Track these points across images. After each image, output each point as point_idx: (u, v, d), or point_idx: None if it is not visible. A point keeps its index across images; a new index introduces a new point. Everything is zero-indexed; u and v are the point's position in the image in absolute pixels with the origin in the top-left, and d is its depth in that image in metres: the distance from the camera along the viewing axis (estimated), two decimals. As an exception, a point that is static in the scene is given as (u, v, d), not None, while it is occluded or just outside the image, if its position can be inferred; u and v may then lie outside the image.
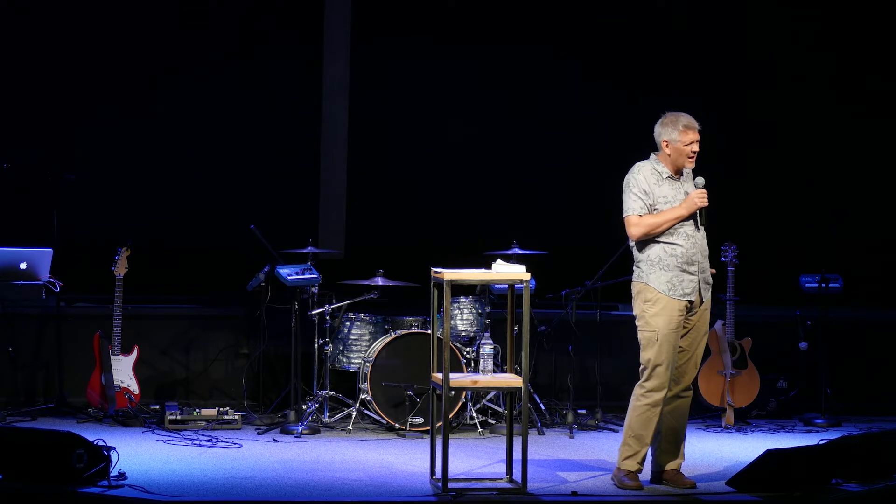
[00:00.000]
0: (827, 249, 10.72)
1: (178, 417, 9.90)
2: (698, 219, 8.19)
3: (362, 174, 12.58)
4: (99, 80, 12.03)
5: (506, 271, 8.15)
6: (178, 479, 8.19)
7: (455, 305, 10.20)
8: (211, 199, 12.16)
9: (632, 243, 8.24)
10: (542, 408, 10.31)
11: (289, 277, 10.05)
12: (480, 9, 12.54)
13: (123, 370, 10.23)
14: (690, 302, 8.14)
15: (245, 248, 10.75)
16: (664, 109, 12.94)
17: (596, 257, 10.38)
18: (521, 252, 10.29)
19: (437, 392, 8.19)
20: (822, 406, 10.51)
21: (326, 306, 10.17)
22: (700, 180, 8.26)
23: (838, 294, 10.74)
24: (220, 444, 9.37)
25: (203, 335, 10.99)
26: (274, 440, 9.62)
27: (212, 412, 9.97)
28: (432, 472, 8.19)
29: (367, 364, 9.98)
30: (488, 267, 8.24)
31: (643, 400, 8.15)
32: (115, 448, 7.95)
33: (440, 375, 8.03)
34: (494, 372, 8.32)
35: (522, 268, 8.19)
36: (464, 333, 10.26)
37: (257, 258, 10.37)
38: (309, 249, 10.33)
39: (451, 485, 7.90)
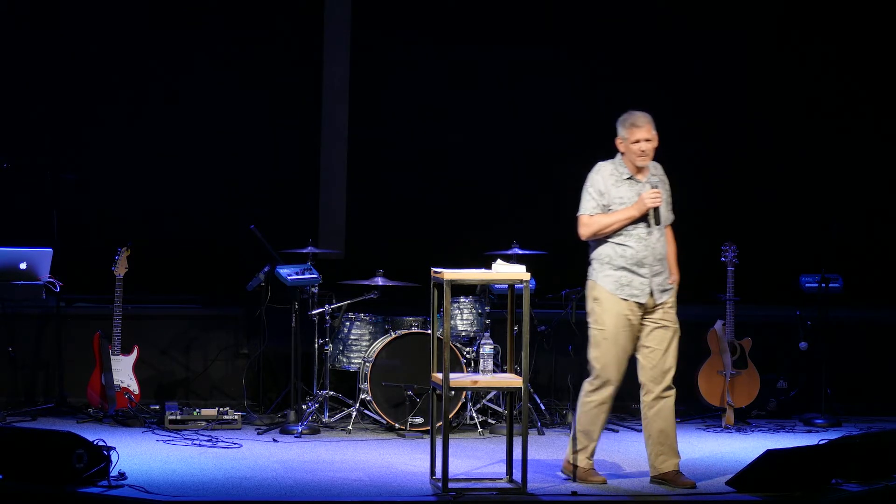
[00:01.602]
0: (827, 249, 10.71)
1: (178, 417, 9.90)
2: (651, 220, 8.19)
3: (362, 174, 12.58)
4: (99, 81, 12.04)
5: (506, 271, 8.15)
6: (178, 479, 8.19)
7: (455, 305, 10.20)
8: (211, 199, 12.16)
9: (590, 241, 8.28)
10: (542, 408, 10.31)
11: (289, 277, 10.05)
12: (481, 9, 12.54)
13: (123, 370, 10.24)
14: (641, 303, 8.15)
15: (245, 248, 10.75)
16: (665, 109, 12.97)
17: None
18: (521, 252, 10.29)
19: (437, 392, 8.20)
20: (822, 406, 10.51)
21: (326, 306, 10.17)
22: (654, 179, 8.26)
23: (838, 294, 10.74)
24: (220, 444, 9.37)
25: (203, 335, 10.99)
26: (274, 440, 9.62)
27: (212, 412, 9.97)
28: (432, 472, 8.19)
29: (367, 364, 9.98)
30: (488, 267, 8.24)
31: (591, 397, 8.24)
32: (115, 448, 7.95)
33: (440, 375, 8.04)
34: (494, 372, 8.32)
35: (522, 268, 8.19)
36: (464, 333, 10.26)
37: (257, 258, 10.37)
38: (309, 249, 10.33)
39: (451, 485, 7.90)
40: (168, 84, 12.20)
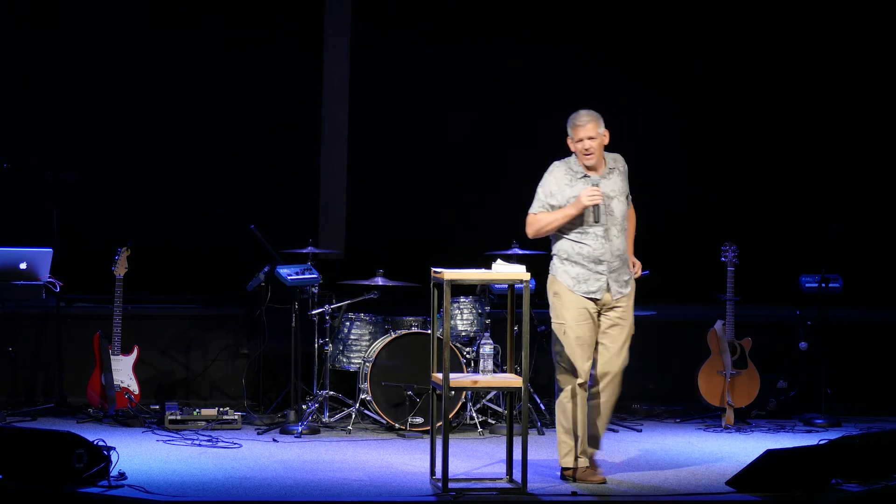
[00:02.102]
0: (827, 249, 10.72)
1: (178, 417, 9.89)
2: (590, 217, 8.24)
3: (362, 174, 12.59)
4: (99, 81, 12.04)
5: (506, 271, 8.15)
6: (178, 479, 8.19)
7: (455, 305, 10.20)
8: (211, 199, 12.17)
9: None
10: (542, 408, 10.31)
11: (289, 277, 10.05)
12: (480, 9, 12.55)
13: (123, 370, 10.23)
14: (597, 300, 8.24)
15: (245, 248, 10.76)
16: (665, 109, 12.99)
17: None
18: (521, 252, 10.29)
19: (437, 392, 8.19)
20: (822, 406, 10.51)
21: (326, 306, 10.17)
22: (595, 179, 8.30)
23: (838, 294, 10.74)
24: (220, 444, 9.37)
25: (203, 335, 10.99)
26: (274, 440, 9.62)
27: (212, 412, 9.97)
28: (432, 472, 8.19)
29: (367, 364, 9.98)
30: (488, 267, 8.24)
31: (561, 395, 8.30)
32: (115, 448, 7.95)
33: (440, 375, 8.03)
34: (494, 372, 8.32)
35: (522, 268, 8.20)
36: (464, 333, 10.26)
37: (257, 258, 10.37)
38: (309, 249, 10.33)
39: (451, 485, 7.90)
40: (168, 84, 12.20)
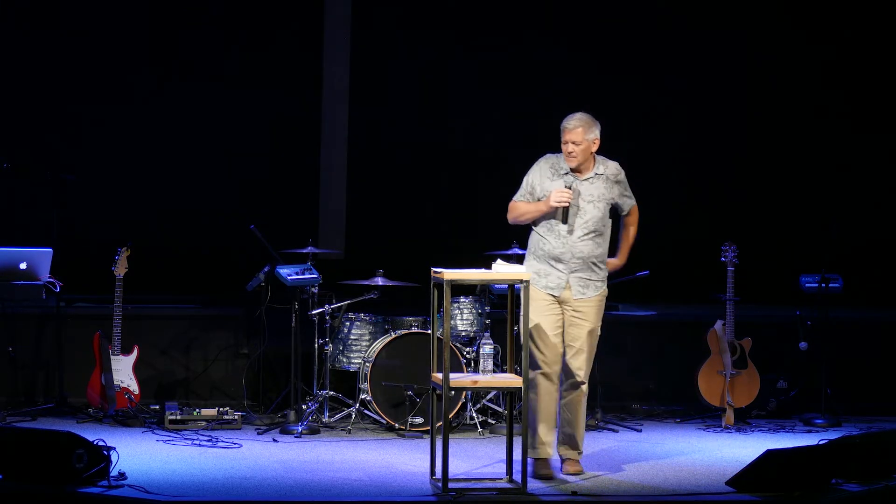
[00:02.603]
0: (827, 249, 10.71)
1: (178, 417, 9.89)
2: (559, 217, 8.35)
3: (362, 174, 12.59)
4: (99, 81, 12.04)
5: (506, 271, 8.15)
6: (178, 479, 8.19)
7: (455, 305, 10.20)
8: (211, 199, 12.16)
9: None
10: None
11: (289, 277, 10.05)
12: (480, 9, 12.54)
13: (123, 370, 10.23)
14: (555, 296, 8.34)
15: (245, 248, 10.75)
16: (665, 109, 13.00)
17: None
18: (521, 252, 10.27)
19: (437, 392, 8.19)
20: (822, 406, 10.51)
21: (326, 306, 10.17)
22: (569, 179, 8.41)
23: (838, 294, 10.74)
24: (220, 444, 9.37)
25: (203, 335, 10.99)
26: (274, 440, 9.61)
27: (212, 412, 9.96)
28: (432, 472, 8.19)
29: (367, 364, 9.98)
30: (488, 267, 8.25)
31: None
32: (115, 448, 7.95)
33: (440, 375, 8.04)
34: (494, 372, 8.32)
35: (522, 268, 8.20)
36: (464, 333, 10.25)
37: (257, 258, 10.37)
38: (309, 249, 10.33)
39: (451, 485, 7.90)
40: (168, 84, 12.19)
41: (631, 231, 8.66)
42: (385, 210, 12.46)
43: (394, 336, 10.06)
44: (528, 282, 8.09)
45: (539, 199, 8.44)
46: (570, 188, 8.37)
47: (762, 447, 8.18)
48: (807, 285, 10.74)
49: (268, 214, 11.19)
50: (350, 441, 9.65)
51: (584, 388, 8.49)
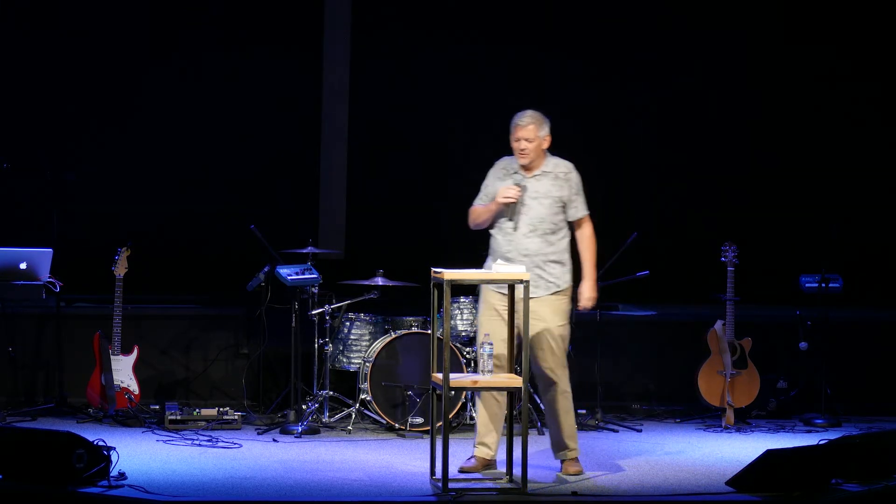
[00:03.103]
0: (827, 249, 10.72)
1: (178, 417, 9.89)
2: (507, 215, 8.40)
3: (362, 174, 12.58)
4: (99, 81, 12.04)
5: (506, 271, 8.15)
6: (178, 479, 8.19)
7: (455, 305, 10.20)
8: (211, 199, 12.16)
9: None
10: (543, 408, 10.30)
11: (289, 277, 10.05)
12: (480, 9, 12.54)
13: (123, 370, 10.24)
14: (504, 294, 8.36)
15: (245, 248, 10.75)
16: (665, 109, 12.97)
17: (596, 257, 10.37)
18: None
19: (437, 392, 8.20)
20: (822, 406, 10.51)
21: (326, 306, 10.17)
22: (518, 177, 8.47)
23: (838, 294, 10.74)
24: (220, 444, 9.37)
25: (203, 335, 10.99)
26: (274, 440, 9.62)
27: (212, 412, 9.96)
28: (432, 472, 8.19)
29: (367, 364, 9.98)
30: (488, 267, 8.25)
31: None
32: (115, 448, 7.95)
33: (440, 375, 8.04)
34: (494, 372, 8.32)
35: (522, 268, 8.20)
36: (464, 333, 10.26)
37: (257, 258, 10.37)
38: (309, 249, 10.33)
39: (451, 485, 7.90)
40: (168, 84, 12.19)
41: (584, 247, 8.55)
42: (385, 210, 12.45)
43: (394, 336, 10.06)
44: (528, 282, 8.09)
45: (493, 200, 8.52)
46: (517, 185, 8.39)
47: (762, 447, 8.18)
48: (807, 285, 10.75)
49: (268, 214, 11.19)
50: (350, 441, 9.65)
51: (561, 385, 8.46)
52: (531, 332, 8.30)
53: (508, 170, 8.56)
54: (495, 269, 8.19)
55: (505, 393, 8.36)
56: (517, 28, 12.56)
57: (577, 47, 12.57)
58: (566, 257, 8.52)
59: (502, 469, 8.37)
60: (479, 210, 8.57)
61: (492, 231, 8.54)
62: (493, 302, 8.42)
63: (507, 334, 8.30)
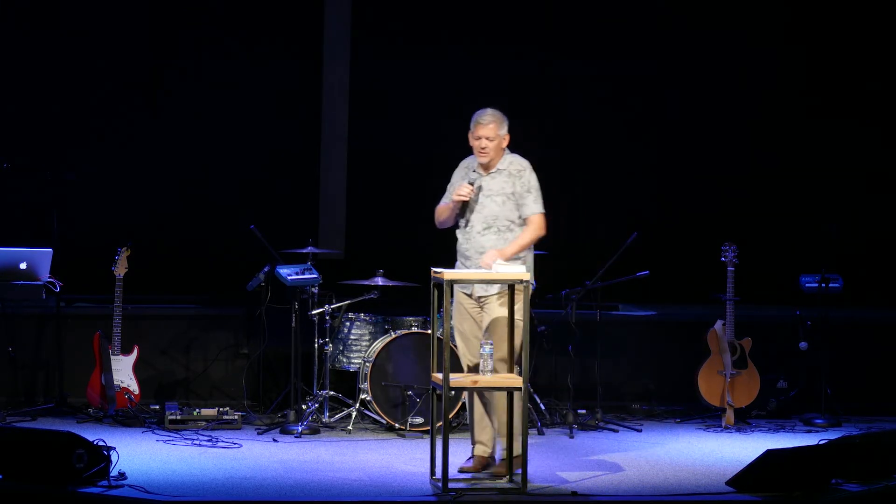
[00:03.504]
0: (827, 249, 10.72)
1: (178, 417, 9.89)
2: (463, 213, 8.46)
3: (362, 174, 12.58)
4: (99, 81, 12.03)
5: (506, 271, 8.15)
6: (178, 479, 8.19)
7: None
8: (211, 199, 12.16)
9: None
10: (542, 408, 10.31)
11: (289, 277, 10.05)
12: (480, 9, 12.54)
13: (123, 370, 10.24)
14: (469, 294, 8.43)
15: (245, 248, 10.75)
16: (665, 110, 12.96)
17: (596, 257, 10.39)
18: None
19: (437, 392, 8.19)
20: (822, 406, 10.51)
21: (326, 306, 10.17)
22: (473, 175, 8.52)
23: (838, 294, 10.74)
24: (220, 444, 9.37)
25: (203, 335, 10.99)
26: (274, 440, 9.62)
27: (212, 412, 9.96)
28: (432, 472, 8.19)
29: (367, 364, 9.98)
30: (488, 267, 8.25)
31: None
32: (115, 448, 7.95)
33: (440, 375, 8.04)
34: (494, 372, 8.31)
35: (522, 268, 8.20)
36: (464, 333, 10.25)
37: (257, 258, 10.37)
38: (309, 249, 10.33)
39: (451, 485, 7.90)
40: (167, 84, 12.19)
41: (525, 233, 8.48)
42: (385, 210, 12.45)
43: (394, 336, 10.06)
44: (528, 282, 8.09)
45: None
46: (472, 183, 8.42)
47: (762, 447, 8.18)
48: (807, 285, 10.75)
49: (268, 214, 11.19)
50: (350, 441, 9.65)
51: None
52: (491, 328, 8.30)
53: (469, 168, 8.64)
54: (495, 268, 8.19)
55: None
56: (517, 28, 12.56)
57: (577, 47, 12.57)
58: (524, 254, 8.49)
59: (502, 465, 8.36)
60: (441, 209, 8.65)
61: (456, 231, 8.61)
62: (462, 301, 8.47)
63: (474, 335, 8.38)
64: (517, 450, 8.19)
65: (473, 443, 8.52)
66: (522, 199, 8.51)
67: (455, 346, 8.58)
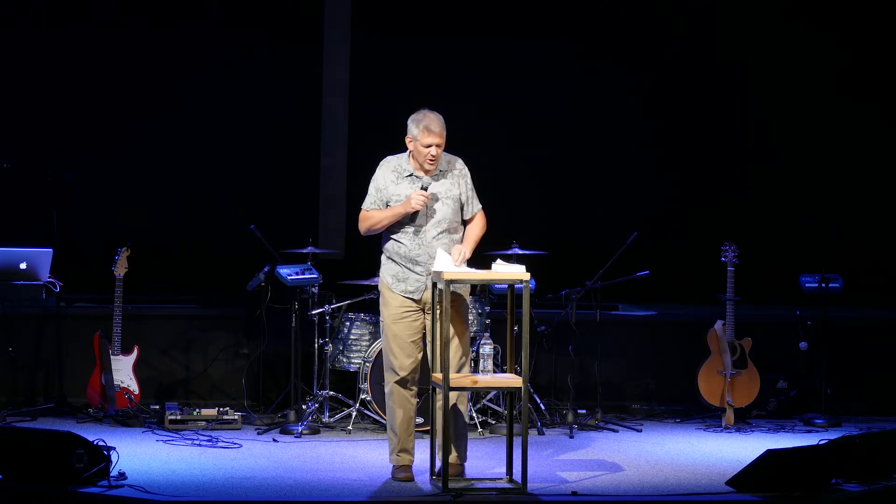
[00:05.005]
0: (827, 249, 10.72)
1: (178, 417, 9.90)
2: (417, 220, 8.29)
3: (362, 174, 12.54)
4: (99, 81, 12.03)
5: (506, 271, 8.15)
6: (178, 479, 8.19)
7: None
8: (211, 199, 12.16)
9: None
10: (542, 408, 10.31)
11: (289, 277, 10.05)
12: (480, 8, 12.54)
13: (123, 370, 10.24)
14: (416, 300, 8.29)
15: (245, 248, 10.75)
16: (665, 110, 12.96)
17: (596, 257, 10.39)
18: (521, 252, 10.29)
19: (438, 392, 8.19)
20: (822, 406, 10.52)
21: (326, 306, 10.17)
22: (427, 180, 8.35)
23: (838, 294, 10.75)
24: (220, 444, 9.37)
25: (203, 335, 10.99)
26: (274, 440, 9.62)
27: (212, 412, 9.97)
28: (432, 472, 8.19)
29: (367, 364, 9.98)
30: (488, 267, 8.24)
31: (385, 389, 8.40)
32: (115, 448, 7.95)
33: (440, 375, 8.03)
34: (494, 372, 8.31)
35: (522, 268, 8.19)
36: (464, 333, 10.24)
37: (257, 258, 10.37)
38: (309, 249, 10.33)
39: (451, 485, 7.90)
40: (168, 83, 12.19)
41: (471, 227, 8.43)
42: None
43: (394, 336, 10.04)
44: (528, 282, 8.08)
45: (386, 203, 8.35)
46: (426, 189, 8.28)
47: (762, 447, 8.18)
48: (807, 285, 10.75)
49: (268, 214, 11.19)
50: (350, 441, 9.65)
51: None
52: (453, 329, 8.22)
53: (401, 172, 8.40)
54: (495, 268, 8.19)
55: (415, 395, 8.36)
56: (518, 25, 12.56)
57: (578, 47, 12.57)
58: (466, 250, 8.42)
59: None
60: (379, 215, 8.34)
61: (390, 235, 8.34)
62: (402, 306, 8.30)
63: (419, 339, 8.31)
64: (456, 458, 8.24)
65: (398, 451, 8.32)
66: (469, 199, 8.45)
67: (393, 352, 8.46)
